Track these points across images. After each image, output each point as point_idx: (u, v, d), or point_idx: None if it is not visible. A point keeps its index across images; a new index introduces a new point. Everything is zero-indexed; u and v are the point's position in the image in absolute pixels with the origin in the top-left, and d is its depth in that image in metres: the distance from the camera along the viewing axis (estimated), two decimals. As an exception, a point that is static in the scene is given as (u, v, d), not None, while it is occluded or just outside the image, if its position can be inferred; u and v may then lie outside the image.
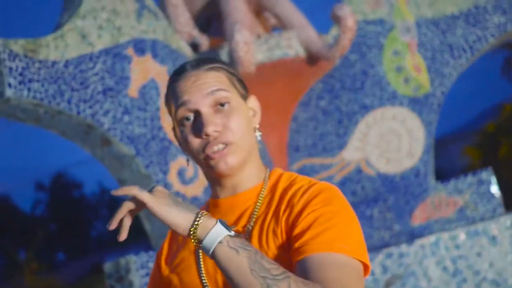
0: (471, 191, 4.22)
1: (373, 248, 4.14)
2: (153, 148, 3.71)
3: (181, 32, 4.12)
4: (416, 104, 4.33)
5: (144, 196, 1.32)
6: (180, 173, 3.79)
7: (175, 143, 3.80)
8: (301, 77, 4.26)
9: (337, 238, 1.36)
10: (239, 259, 1.30)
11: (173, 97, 1.51)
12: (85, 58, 3.52)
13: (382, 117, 4.34)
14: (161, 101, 3.80)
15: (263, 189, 1.50)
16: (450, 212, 4.19)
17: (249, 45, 3.74)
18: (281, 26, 4.28)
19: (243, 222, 1.47)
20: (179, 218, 1.34)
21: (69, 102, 3.40)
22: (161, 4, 4.26)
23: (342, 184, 4.33)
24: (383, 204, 4.24)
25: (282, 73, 4.15)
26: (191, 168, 3.85)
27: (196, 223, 1.31)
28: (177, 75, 1.52)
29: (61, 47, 3.43)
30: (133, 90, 3.69)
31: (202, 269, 1.47)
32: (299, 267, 1.34)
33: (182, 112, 1.49)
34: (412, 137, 4.31)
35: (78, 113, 3.43)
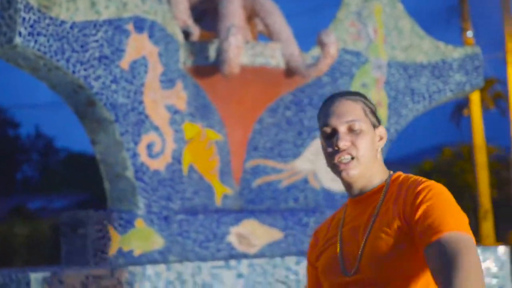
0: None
1: (302, 253, 4.55)
2: (131, 118, 4.04)
3: (178, 18, 4.44)
4: (371, 134, 4.76)
5: None
6: (149, 147, 4.13)
7: (153, 118, 4.14)
8: (276, 85, 4.64)
9: (443, 223, 1.76)
10: None
11: (322, 116, 1.98)
12: (90, 24, 3.83)
13: (337, 139, 4.75)
14: (148, 78, 4.13)
15: (384, 188, 1.94)
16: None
17: (240, 48, 4.10)
18: (268, 35, 4.65)
19: (368, 212, 1.92)
20: None
21: (67, 60, 3.70)
22: (163, -13, 4.57)
23: (287, 190, 4.72)
24: (320, 216, 4.65)
25: (260, 78, 4.52)
26: (159, 144, 4.19)
27: None
28: (327, 101, 1.98)
29: (71, 9, 3.72)
30: (125, 62, 4.01)
31: (343, 248, 1.93)
32: (426, 254, 1.75)
33: (325, 129, 1.95)
34: (360, 162, 4.74)
35: (73, 72, 3.73)
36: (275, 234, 4.56)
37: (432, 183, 1.87)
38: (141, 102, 4.09)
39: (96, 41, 3.86)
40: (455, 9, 19.18)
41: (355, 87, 4.77)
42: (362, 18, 4.84)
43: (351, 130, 1.93)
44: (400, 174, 1.98)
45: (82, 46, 3.79)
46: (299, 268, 4.42)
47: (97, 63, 3.87)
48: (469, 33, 18.70)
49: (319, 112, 2.01)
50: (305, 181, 4.73)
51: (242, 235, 4.49)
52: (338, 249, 1.94)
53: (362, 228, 1.91)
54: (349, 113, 1.94)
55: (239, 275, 4.35)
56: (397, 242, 1.84)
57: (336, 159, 1.91)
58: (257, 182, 4.76)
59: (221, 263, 4.33)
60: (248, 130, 4.74)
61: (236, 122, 4.67)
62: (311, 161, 4.73)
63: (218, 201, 4.59)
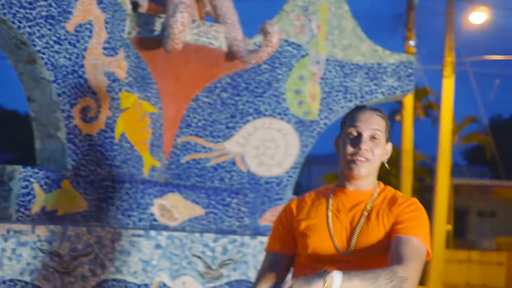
0: (318, 213, 4.86)
1: (221, 231, 4.69)
2: (69, 81, 4.09)
3: (128, -12, 4.50)
4: (301, 125, 4.92)
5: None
6: (84, 110, 4.19)
7: (91, 83, 4.20)
8: (215, 67, 4.75)
9: (419, 232, 2.36)
10: (355, 283, 2.16)
11: (351, 119, 2.46)
12: (40, -18, 3.86)
13: (269, 126, 4.90)
14: (91, 43, 4.19)
15: (375, 192, 2.47)
16: (295, 224, 4.80)
17: (185, 26, 4.19)
18: (215, 17, 4.75)
19: (360, 207, 2.44)
20: (317, 285, 2.14)
21: (14, 15, 3.73)
22: (117, -45, 4.61)
23: (214, 169, 4.85)
24: (242, 198, 4.80)
25: (201, 57, 4.62)
26: (94, 109, 4.25)
27: (325, 285, 2.14)
28: (359, 109, 2.48)
29: (23, -35, 3.75)
30: (70, 25, 4.06)
31: (332, 229, 2.41)
32: (396, 240, 2.33)
33: (352, 129, 2.44)
34: (287, 151, 4.90)
35: (19, 28, 3.76)
36: (197, 211, 4.69)
37: (418, 202, 2.47)
38: (81, 66, 4.14)
39: (45, 0, 3.90)
40: (401, 17, 19.60)
41: (292, 78, 4.92)
42: (308, 13, 4.99)
43: (372, 138, 2.43)
44: (386, 186, 2.54)
45: (30, 3, 3.82)
46: (216, 245, 4.56)
47: (43, 22, 3.90)
48: (412, 42, 19.15)
49: (347, 115, 2.50)
50: (233, 163, 4.86)
51: (165, 208, 4.60)
52: (328, 229, 2.42)
53: (355, 218, 2.42)
54: (376, 124, 2.43)
55: (158, 246, 4.46)
56: (385, 236, 2.38)
57: (354, 157, 2.42)
58: (185, 158, 4.87)
59: (141, 232, 4.43)
60: (183, 106, 4.84)
61: (172, 98, 4.76)
62: (240, 145, 4.87)
63: (145, 172, 4.69)
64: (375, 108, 2.50)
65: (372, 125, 2.43)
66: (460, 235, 26.60)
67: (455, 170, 25.18)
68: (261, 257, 4.65)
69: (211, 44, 4.55)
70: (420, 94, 21.68)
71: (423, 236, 2.37)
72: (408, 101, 19.29)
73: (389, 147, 2.53)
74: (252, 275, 4.61)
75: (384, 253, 2.37)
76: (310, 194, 2.58)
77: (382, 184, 2.53)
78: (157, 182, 4.73)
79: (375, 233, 2.38)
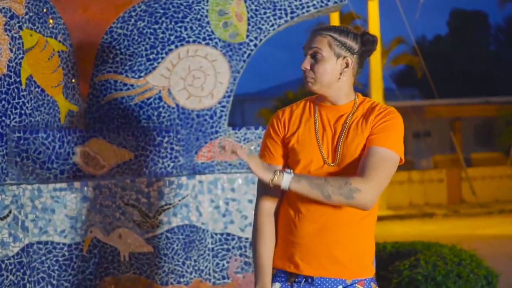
0: (256, 142, 4.44)
1: (155, 174, 4.25)
2: (-43, 20, 3.53)
3: None
4: (229, 49, 4.46)
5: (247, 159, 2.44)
6: (-20, 54, 3.65)
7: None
8: (127, -8, 4.24)
9: (389, 141, 2.49)
10: (303, 185, 2.43)
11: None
12: None
13: (194, 53, 4.43)
14: (-23, -25, 3.62)
15: (354, 106, 2.59)
16: (234, 157, 4.39)
17: None
18: None
19: (341, 121, 2.56)
20: (265, 176, 2.44)
21: None
22: None
23: (140, 108, 4.38)
24: (174, 136, 4.35)
25: (109, -17, 4.10)
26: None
27: (272, 178, 2.44)
28: (311, 32, 2.60)
29: None
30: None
31: (320, 143, 2.56)
32: (367, 151, 2.48)
33: (304, 52, 2.59)
34: (217, 79, 4.44)
35: None
36: (125, 155, 4.22)
37: (395, 111, 2.56)
38: (-30, 2, 3.59)
39: None
40: None
41: (213, -2, 4.43)
42: None
43: (313, 56, 2.56)
44: (365, 98, 2.64)
45: None
46: (151, 190, 4.13)
47: None
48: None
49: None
50: (159, 98, 4.39)
51: (89, 155, 4.13)
52: (317, 143, 2.56)
53: (338, 132, 2.55)
54: (315, 43, 2.55)
55: (85, 198, 4.00)
56: (364, 146, 2.52)
57: (304, 77, 2.58)
58: (106, 98, 4.37)
59: (64, 185, 3.95)
60: (97, 41, 4.33)
61: (82, 32, 4.24)
62: (165, 77, 4.40)
63: (62, 119, 4.19)
64: (318, 28, 2.59)
65: (312, 45, 2.55)
66: (398, 157, 26.73)
67: (387, 94, 25.19)
68: (202, 197, 4.24)
69: (118, -34, 4.03)
70: (347, 19, 21.37)
71: (393, 143, 2.50)
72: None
73: (342, 62, 2.58)
74: (194, 218, 4.21)
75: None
76: (298, 106, 2.70)
77: (361, 97, 2.65)
78: (76, 128, 4.23)
79: (355, 144, 2.52)
